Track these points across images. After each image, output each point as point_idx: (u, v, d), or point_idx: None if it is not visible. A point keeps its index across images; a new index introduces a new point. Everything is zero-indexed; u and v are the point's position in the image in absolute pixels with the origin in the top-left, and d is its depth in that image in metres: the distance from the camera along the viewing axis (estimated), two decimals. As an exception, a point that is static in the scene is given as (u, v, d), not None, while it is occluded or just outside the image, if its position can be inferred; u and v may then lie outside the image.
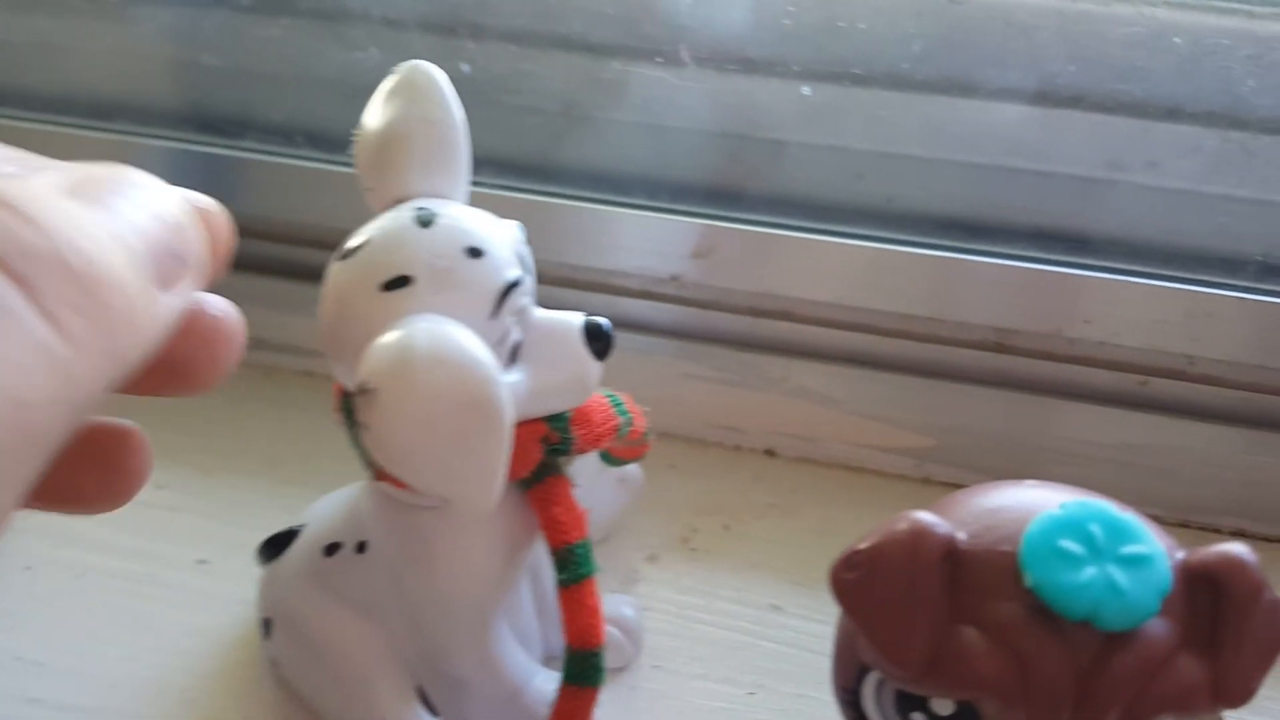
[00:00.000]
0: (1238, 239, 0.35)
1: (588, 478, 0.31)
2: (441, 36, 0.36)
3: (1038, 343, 0.35)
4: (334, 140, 0.39)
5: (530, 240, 0.37)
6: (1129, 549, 0.20)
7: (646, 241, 0.37)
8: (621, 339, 0.38)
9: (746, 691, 0.30)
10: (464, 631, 0.27)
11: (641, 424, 0.28)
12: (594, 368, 0.25)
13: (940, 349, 0.36)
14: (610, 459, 0.30)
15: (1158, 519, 0.36)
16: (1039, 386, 0.36)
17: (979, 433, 0.36)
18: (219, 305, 0.17)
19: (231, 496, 0.36)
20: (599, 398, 0.27)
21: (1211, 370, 0.35)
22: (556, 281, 0.38)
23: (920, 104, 0.37)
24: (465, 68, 0.36)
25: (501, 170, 0.38)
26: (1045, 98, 0.36)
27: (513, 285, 0.23)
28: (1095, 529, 0.20)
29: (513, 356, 0.24)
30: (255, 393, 0.41)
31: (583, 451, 0.26)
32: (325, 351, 0.24)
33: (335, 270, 0.24)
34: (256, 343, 0.42)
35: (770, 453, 0.38)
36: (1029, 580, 0.20)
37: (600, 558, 0.27)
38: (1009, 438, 0.36)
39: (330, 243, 0.24)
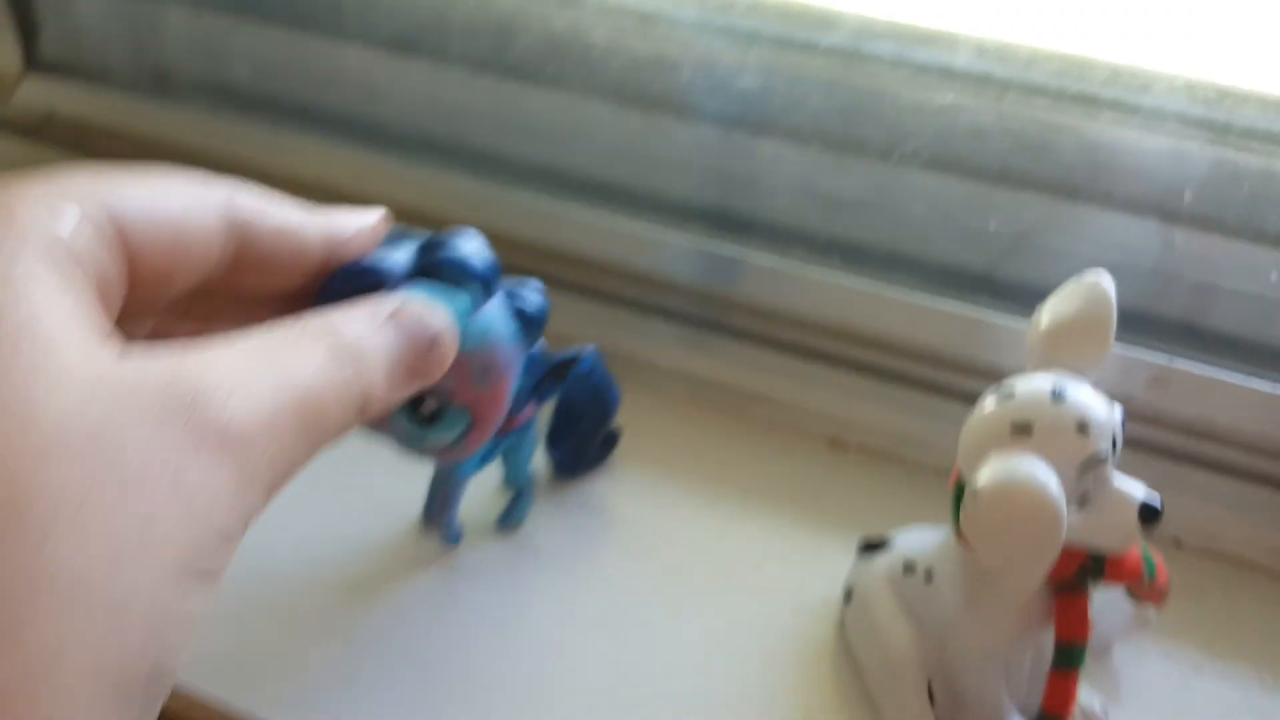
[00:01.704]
0: None
1: (1106, 604, 0.41)
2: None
3: None
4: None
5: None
6: None
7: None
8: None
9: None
10: (977, 667, 0.38)
11: (1164, 582, 0.38)
12: (1135, 531, 0.34)
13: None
14: (1133, 596, 0.40)
15: None
16: None
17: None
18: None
19: (769, 521, 0.48)
20: (1136, 549, 0.36)
21: None
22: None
23: None
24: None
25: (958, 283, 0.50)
26: None
27: (1098, 459, 0.33)
28: None
29: (1081, 502, 0.34)
30: (761, 441, 0.53)
31: (1109, 582, 0.36)
32: (961, 446, 0.35)
33: (988, 403, 0.35)
34: (757, 398, 0.54)
35: (1177, 543, 0.48)
36: None
37: (1098, 666, 0.38)
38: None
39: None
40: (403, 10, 0.58)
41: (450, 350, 0.29)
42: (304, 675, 0.40)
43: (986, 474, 0.32)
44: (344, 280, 0.31)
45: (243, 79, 0.63)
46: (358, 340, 0.25)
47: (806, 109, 0.51)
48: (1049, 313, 0.36)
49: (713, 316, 0.54)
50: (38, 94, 0.66)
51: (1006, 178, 0.50)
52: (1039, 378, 0.35)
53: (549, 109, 0.56)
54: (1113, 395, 0.47)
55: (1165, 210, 0.47)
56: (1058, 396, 0.34)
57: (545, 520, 0.47)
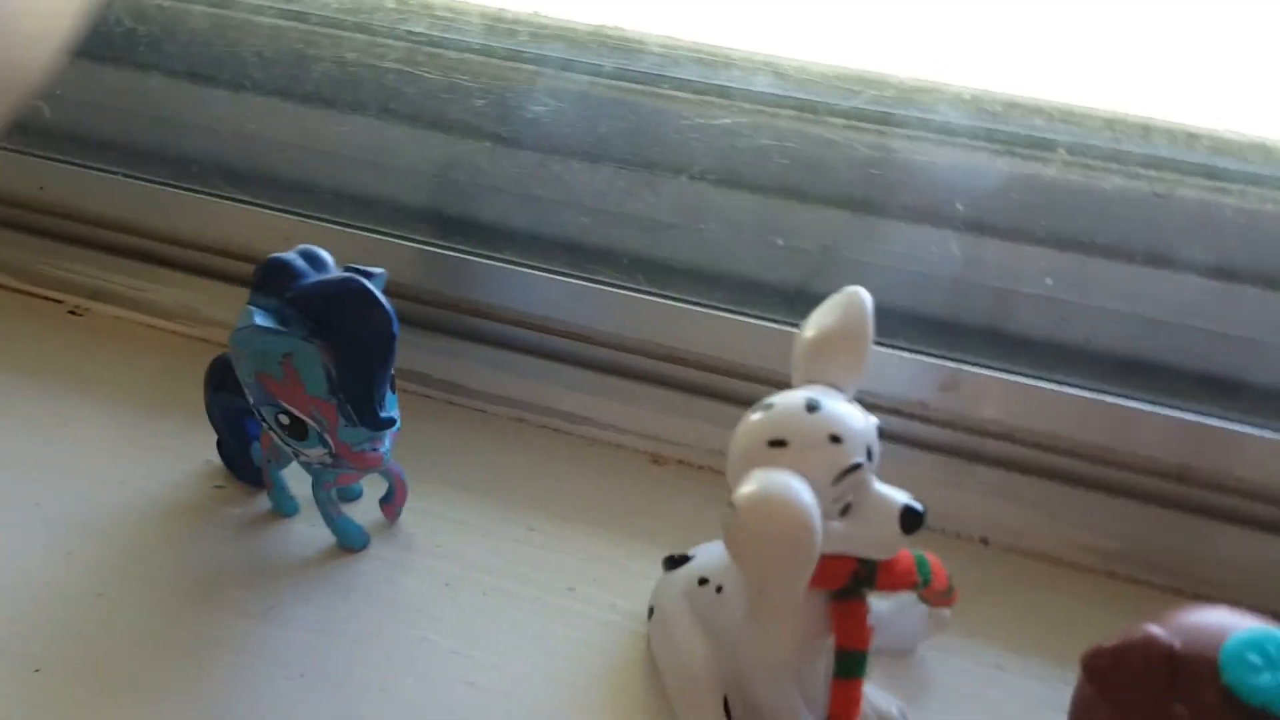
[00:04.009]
0: None
1: (903, 607, 0.42)
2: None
3: (1210, 478, 0.45)
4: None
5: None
6: (1294, 664, 0.31)
7: (899, 374, 0.48)
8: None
9: (978, 727, 0.41)
10: (768, 678, 0.38)
11: (943, 582, 0.39)
12: (898, 538, 0.34)
13: (1130, 475, 0.46)
14: (923, 599, 0.41)
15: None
16: (1211, 512, 0.46)
17: (1156, 544, 0.47)
18: None
19: (585, 542, 0.48)
20: (907, 555, 0.37)
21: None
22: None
23: (1119, 271, 0.47)
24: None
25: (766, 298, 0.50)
26: (1225, 273, 0.46)
27: (853, 468, 0.34)
28: (1271, 648, 0.31)
29: (843, 511, 0.34)
30: (584, 461, 0.54)
31: (881, 590, 0.36)
32: (728, 462, 0.36)
33: (749, 419, 0.35)
34: (578, 419, 0.55)
35: (984, 541, 0.49)
36: (1225, 679, 0.30)
37: (902, 668, 0.39)
38: (1179, 551, 0.46)
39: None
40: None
41: None
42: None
43: (741, 490, 0.33)
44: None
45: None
46: None
47: (603, 132, 0.52)
48: (810, 327, 0.37)
49: (532, 341, 0.54)
50: None
51: (808, 195, 0.51)
52: (797, 392, 0.35)
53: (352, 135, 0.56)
54: (907, 400, 0.48)
55: (959, 219, 0.49)
56: (812, 409, 0.34)
57: (360, 554, 0.47)
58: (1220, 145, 0.47)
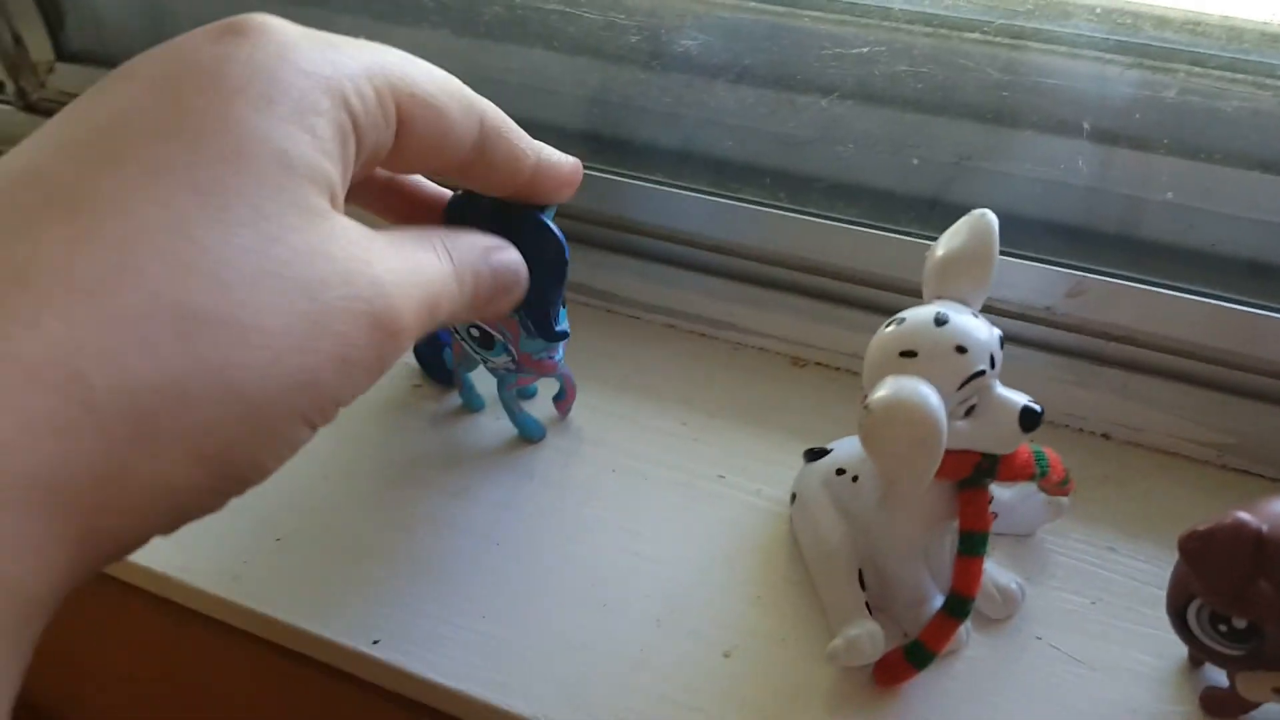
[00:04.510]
0: None
1: (1025, 495, 0.47)
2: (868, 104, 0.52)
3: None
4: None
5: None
6: (1373, 548, 0.34)
7: (1028, 282, 0.51)
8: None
9: (1090, 601, 0.46)
10: (898, 555, 0.43)
11: (1059, 474, 0.43)
12: (1018, 435, 0.39)
13: (1246, 375, 0.49)
14: (1041, 489, 0.46)
15: None
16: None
17: (1267, 438, 0.50)
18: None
19: (732, 435, 0.54)
20: (1026, 449, 0.41)
21: None
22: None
23: (1245, 178, 0.50)
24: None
25: (903, 209, 0.54)
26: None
27: (976, 375, 0.38)
28: (1352, 533, 0.35)
29: (967, 413, 0.39)
30: (730, 363, 0.59)
31: (1002, 480, 0.41)
32: (864, 370, 0.41)
33: (882, 332, 0.40)
34: (724, 325, 0.60)
35: (1105, 436, 0.53)
36: (1306, 559, 0.35)
37: (1023, 549, 0.43)
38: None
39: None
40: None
41: (518, 296, 0.39)
42: (342, 588, 0.47)
43: (875, 393, 0.38)
44: (463, 203, 0.42)
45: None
46: (464, 264, 0.35)
47: (747, 54, 0.56)
48: (940, 247, 0.41)
49: (682, 255, 0.60)
50: (69, 81, 0.74)
51: (945, 109, 0.54)
52: (927, 307, 0.40)
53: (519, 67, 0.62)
54: (1035, 306, 0.52)
55: (1089, 130, 0.51)
56: (940, 323, 0.39)
57: (538, 445, 0.54)
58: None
